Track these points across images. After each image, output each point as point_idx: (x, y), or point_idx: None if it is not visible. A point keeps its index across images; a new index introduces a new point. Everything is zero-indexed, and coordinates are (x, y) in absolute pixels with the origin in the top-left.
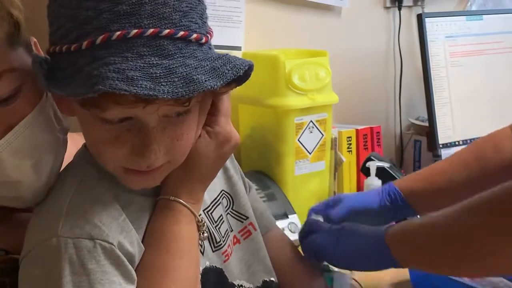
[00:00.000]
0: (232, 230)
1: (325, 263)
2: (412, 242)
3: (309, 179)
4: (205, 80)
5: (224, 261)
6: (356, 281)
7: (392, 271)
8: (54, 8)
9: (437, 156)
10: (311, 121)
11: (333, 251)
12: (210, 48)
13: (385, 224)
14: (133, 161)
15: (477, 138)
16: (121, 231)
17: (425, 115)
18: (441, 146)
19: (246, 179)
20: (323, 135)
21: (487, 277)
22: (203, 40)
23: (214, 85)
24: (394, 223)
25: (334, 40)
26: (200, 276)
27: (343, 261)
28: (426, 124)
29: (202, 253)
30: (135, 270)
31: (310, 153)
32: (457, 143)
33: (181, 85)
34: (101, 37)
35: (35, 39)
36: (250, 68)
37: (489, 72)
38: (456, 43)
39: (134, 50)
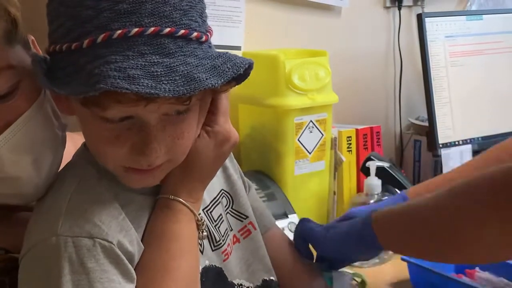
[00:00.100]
0: (231, 229)
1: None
2: (398, 229)
3: (309, 179)
4: (206, 79)
5: (224, 260)
6: (355, 280)
7: (392, 271)
8: (54, 7)
9: (437, 156)
10: (311, 121)
11: (322, 239)
12: (210, 47)
13: None
14: (133, 159)
15: (477, 138)
16: (121, 230)
17: (425, 115)
18: (441, 146)
19: (246, 179)
20: (323, 135)
21: (486, 276)
22: (203, 39)
23: (214, 83)
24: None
25: (334, 40)
26: (199, 275)
27: (331, 248)
28: (426, 124)
29: (202, 252)
30: (134, 269)
31: (310, 153)
32: (457, 143)
33: (182, 84)
34: (102, 35)
35: (32, 37)
36: (250, 67)
37: (489, 72)
38: (456, 43)
39: (135, 49)
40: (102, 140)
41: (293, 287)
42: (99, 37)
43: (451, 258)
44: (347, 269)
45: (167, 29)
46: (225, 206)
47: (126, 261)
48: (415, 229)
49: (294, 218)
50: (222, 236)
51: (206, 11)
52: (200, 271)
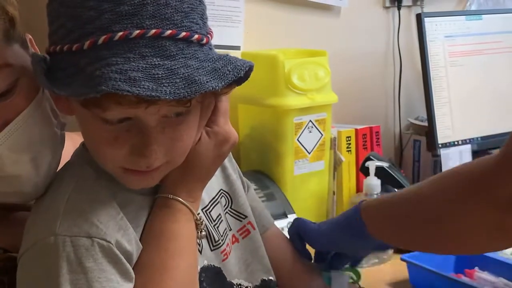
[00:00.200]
0: (230, 229)
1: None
2: (386, 218)
3: (308, 179)
4: (207, 81)
5: (223, 260)
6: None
7: (391, 271)
8: (55, 7)
9: (436, 156)
10: (310, 120)
11: (315, 232)
12: (210, 49)
13: None
14: (132, 161)
15: (476, 138)
16: (119, 230)
17: (424, 115)
18: (440, 146)
19: (245, 179)
20: (322, 134)
21: (485, 276)
22: (204, 41)
23: (215, 86)
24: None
25: (334, 40)
26: (198, 274)
27: (323, 240)
28: (426, 124)
29: (200, 252)
30: (133, 268)
31: (309, 153)
32: (456, 143)
33: (183, 86)
34: (103, 37)
35: (30, 36)
36: (250, 69)
37: (488, 72)
38: (455, 42)
39: (136, 51)
40: (101, 141)
41: (292, 287)
42: (100, 39)
43: (438, 248)
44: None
45: (168, 32)
46: (224, 206)
47: (125, 261)
48: (402, 218)
49: (293, 218)
50: (221, 236)
51: (206, 12)
52: (199, 271)
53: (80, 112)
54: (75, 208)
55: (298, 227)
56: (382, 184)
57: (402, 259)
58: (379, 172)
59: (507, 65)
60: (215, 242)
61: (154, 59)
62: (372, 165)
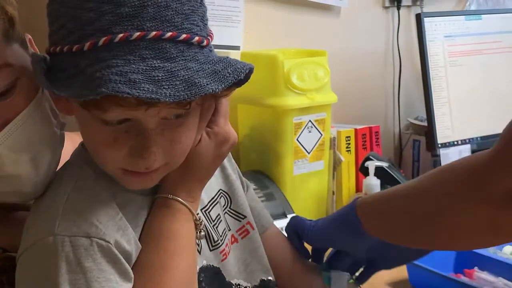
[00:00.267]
0: (230, 229)
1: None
2: (381, 214)
3: (308, 179)
4: (207, 84)
5: (222, 260)
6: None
7: (391, 271)
8: (55, 8)
9: (436, 156)
10: (310, 120)
11: (311, 229)
12: (211, 51)
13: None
14: (131, 162)
15: (475, 137)
16: (118, 230)
17: (424, 114)
18: (439, 145)
19: (244, 178)
20: (322, 134)
21: (485, 276)
22: (204, 43)
23: (215, 88)
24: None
25: (333, 39)
26: (197, 274)
27: (319, 236)
28: (425, 123)
29: (199, 252)
30: (132, 268)
31: (309, 153)
32: (455, 142)
33: (183, 89)
34: (103, 39)
35: (29, 36)
36: (250, 71)
37: (488, 72)
38: (454, 42)
39: (136, 53)
40: (100, 142)
41: (291, 287)
42: (100, 40)
43: (433, 244)
44: None
45: (169, 34)
46: (223, 206)
47: (124, 261)
48: (398, 214)
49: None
50: (220, 236)
51: (206, 14)
52: (198, 271)
53: (79, 112)
54: (74, 208)
55: (295, 225)
56: (381, 184)
57: None
58: (379, 172)
59: (507, 65)
60: (214, 242)
61: (154, 61)
62: (371, 165)
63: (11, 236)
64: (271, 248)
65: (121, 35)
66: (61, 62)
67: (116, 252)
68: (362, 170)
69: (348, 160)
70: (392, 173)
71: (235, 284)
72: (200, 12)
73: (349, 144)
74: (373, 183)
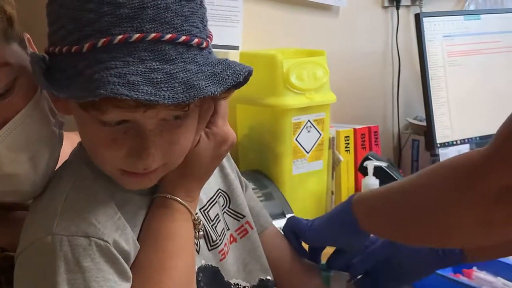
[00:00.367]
0: (228, 229)
1: (323, 262)
2: (377, 212)
3: (307, 179)
4: (206, 86)
5: (220, 260)
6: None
7: None
8: (55, 8)
9: (435, 156)
10: (308, 120)
11: (307, 228)
12: (210, 53)
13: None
14: (130, 163)
15: (474, 137)
16: (117, 229)
17: (423, 114)
18: (438, 145)
19: (243, 178)
20: (321, 134)
21: (483, 276)
22: (204, 45)
23: (214, 91)
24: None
25: (332, 39)
26: (195, 274)
27: (316, 236)
28: (424, 123)
29: (198, 252)
30: (130, 268)
31: (307, 153)
32: (454, 142)
33: (182, 91)
34: (102, 40)
35: (28, 35)
36: (249, 74)
37: (487, 72)
38: (453, 42)
39: (135, 55)
40: (99, 143)
41: (290, 286)
42: (99, 42)
43: (427, 241)
44: None
45: (168, 36)
46: (222, 206)
47: (122, 260)
48: (392, 211)
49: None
50: (219, 236)
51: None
52: (196, 270)
53: (78, 113)
54: (73, 207)
55: (292, 226)
56: (380, 184)
57: None
58: (378, 171)
59: (505, 64)
60: (213, 242)
61: (153, 63)
62: (370, 164)
63: (10, 236)
64: (269, 248)
65: (120, 36)
66: (60, 63)
67: (115, 251)
68: (361, 170)
69: (347, 160)
70: (391, 173)
71: (234, 283)
72: (199, 13)
73: (348, 144)
74: (372, 183)
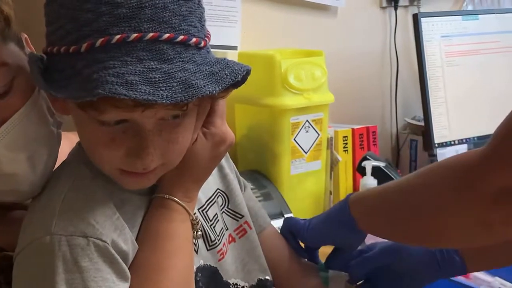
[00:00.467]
0: (227, 229)
1: (321, 262)
2: (374, 212)
3: (305, 179)
4: (204, 85)
5: (219, 260)
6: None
7: None
8: (53, 8)
9: (433, 156)
10: (307, 120)
11: (305, 228)
12: (208, 52)
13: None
14: (129, 163)
15: (472, 137)
16: (115, 229)
17: (421, 114)
18: (436, 145)
19: (241, 178)
20: (319, 134)
21: (481, 276)
22: (202, 44)
23: (212, 90)
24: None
25: (330, 39)
26: (194, 274)
27: (314, 236)
28: (422, 123)
29: (196, 252)
30: (129, 268)
31: (306, 153)
32: (452, 142)
33: (180, 90)
34: (100, 40)
35: (26, 35)
36: (247, 73)
37: (485, 72)
38: (451, 42)
39: (133, 54)
40: (97, 143)
41: (288, 286)
42: (97, 41)
43: (424, 241)
44: None
45: (166, 35)
46: (221, 206)
47: (120, 260)
48: (389, 211)
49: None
50: (218, 236)
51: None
52: (195, 270)
53: (76, 113)
54: (71, 207)
55: (289, 226)
56: (378, 184)
57: None
58: (376, 171)
59: (503, 65)
60: (212, 241)
61: (151, 63)
62: (368, 164)
63: (8, 235)
64: (268, 248)
65: (118, 36)
66: (58, 63)
67: (113, 251)
68: (359, 170)
69: (345, 160)
70: (389, 173)
71: (233, 283)
72: (197, 13)
73: (346, 144)
74: (370, 183)
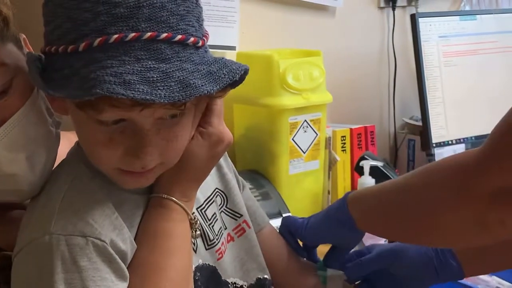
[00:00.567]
0: (226, 228)
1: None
2: (373, 211)
3: (303, 178)
4: (202, 85)
5: (218, 259)
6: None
7: None
8: (51, 8)
9: (431, 155)
10: (305, 120)
11: (303, 227)
12: (206, 52)
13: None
14: (127, 162)
15: (470, 137)
16: (114, 229)
17: (419, 114)
18: (434, 145)
19: (240, 178)
20: (317, 134)
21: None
22: (200, 44)
23: (210, 89)
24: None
25: (328, 40)
26: (192, 274)
27: (313, 235)
28: (420, 123)
29: (195, 251)
30: (127, 268)
31: (304, 152)
32: (450, 142)
33: (178, 90)
34: (98, 39)
35: (24, 35)
36: (245, 72)
37: (482, 72)
38: (449, 43)
39: (131, 54)
40: (96, 142)
41: (287, 285)
42: (95, 41)
43: (421, 240)
44: None
45: (164, 34)
46: (219, 205)
47: (119, 260)
48: (387, 211)
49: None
50: (216, 235)
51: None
52: (193, 270)
53: (74, 113)
54: (70, 207)
55: (288, 225)
56: (376, 184)
57: None
58: (374, 171)
59: (501, 65)
60: (210, 241)
61: (149, 62)
62: (366, 164)
63: (7, 234)
64: (266, 247)
65: (116, 36)
66: (56, 62)
67: (112, 251)
68: (357, 170)
69: (343, 160)
70: (387, 173)
71: (231, 282)
72: (195, 12)
73: (344, 143)
74: (368, 182)
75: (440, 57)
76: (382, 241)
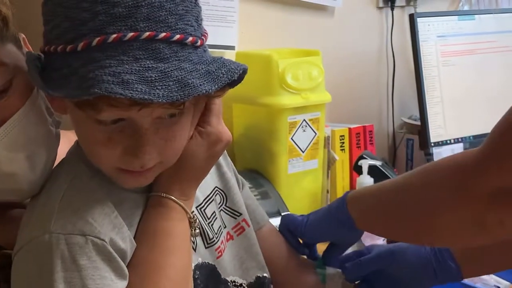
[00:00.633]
0: (225, 227)
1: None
2: (372, 210)
3: (302, 178)
4: (200, 84)
5: (217, 258)
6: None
7: None
8: (50, 7)
9: (429, 155)
10: (304, 120)
11: (303, 225)
12: (205, 51)
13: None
14: (126, 161)
15: (468, 136)
16: (113, 228)
17: (417, 114)
18: (432, 144)
19: (239, 176)
20: (316, 133)
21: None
22: (198, 43)
23: (209, 89)
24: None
25: (327, 39)
26: (192, 272)
27: (312, 233)
28: (419, 123)
29: (195, 250)
30: (127, 266)
31: (303, 152)
32: (448, 141)
33: (176, 89)
34: (97, 39)
35: (23, 35)
36: (244, 72)
37: (480, 72)
38: (447, 42)
39: (129, 53)
40: (95, 142)
41: (286, 284)
42: (94, 41)
43: (420, 240)
44: None
45: (163, 34)
46: (219, 204)
47: (119, 259)
48: (386, 210)
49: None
50: (216, 234)
51: (201, 13)
52: (193, 268)
53: (74, 112)
54: (70, 206)
55: (287, 223)
56: (375, 183)
57: None
58: (372, 170)
59: (499, 64)
60: (210, 239)
61: (148, 62)
62: (365, 163)
63: (7, 233)
64: (266, 245)
65: (114, 35)
66: (55, 62)
67: (111, 250)
68: (356, 169)
69: (342, 159)
70: (386, 172)
71: (231, 281)
72: (194, 12)
73: (343, 143)
74: (366, 181)
75: (438, 57)
76: (380, 240)
